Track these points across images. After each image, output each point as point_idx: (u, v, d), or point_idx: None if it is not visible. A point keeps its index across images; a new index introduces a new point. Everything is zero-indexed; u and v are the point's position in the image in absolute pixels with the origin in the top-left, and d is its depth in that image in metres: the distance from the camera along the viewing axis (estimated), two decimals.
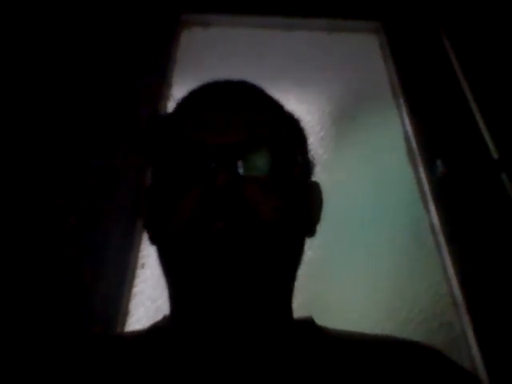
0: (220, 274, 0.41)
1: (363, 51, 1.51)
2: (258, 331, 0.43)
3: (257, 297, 0.43)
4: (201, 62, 1.42)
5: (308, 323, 0.48)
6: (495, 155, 1.22)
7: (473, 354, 0.97)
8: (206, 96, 0.51)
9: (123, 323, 1.01)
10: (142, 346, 0.44)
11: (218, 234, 0.41)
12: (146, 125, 0.56)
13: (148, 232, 0.52)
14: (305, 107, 1.33)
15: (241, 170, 0.44)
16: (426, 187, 1.21)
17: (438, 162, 1.20)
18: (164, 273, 0.48)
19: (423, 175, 1.23)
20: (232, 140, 0.45)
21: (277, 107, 0.54)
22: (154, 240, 0.51)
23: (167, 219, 0.45)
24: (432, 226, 1.17)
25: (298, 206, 0.48)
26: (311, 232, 0.53)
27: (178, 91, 1.35)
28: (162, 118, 0.55)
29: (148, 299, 1.05)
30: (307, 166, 0.54)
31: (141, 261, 1.10)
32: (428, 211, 1.19)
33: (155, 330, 0.46)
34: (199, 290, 0.42)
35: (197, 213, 0.43)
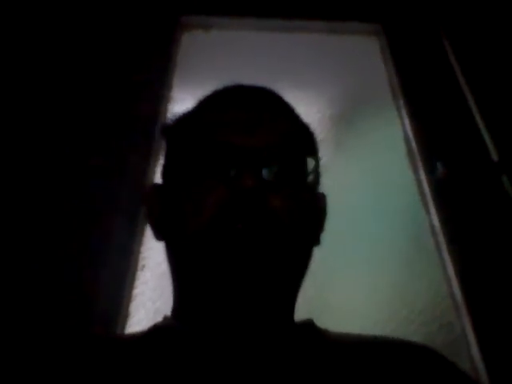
0: (238, 273, 0.42)
1: (363, 53, 1.51)
2: (261, 332, 0.44)
3: (266, 299, 0.44)
4: (201, 64, 1.42)
5: (308, 326, 0.48)
6: (495, 157, 1.22)
7: (473, 355, 0.97)
8: (232, 96, 0.51)
9: (123, 325, 1.01)
10: (145, 345, 0.44)
11: (240, 234, 0.42)
12: (165, 122, 0.55)
13: (154, 229, 0.52)
14: (304, 110, 1.33)
15: (265, 175, 0.44)
16: (427, 189, 1.21)
17: (438, 164, 1.21)
18: (172, 270, 0.48)
19: (423, 177, 1.23)
20: (260, 143, 0.45)
21: (295, 116, 0.55)
22: (163, 237, 0.50)
23: (186, 217, 0.45)
24: (432, 227, 1.17)
25: (312, 214, 0.49)
26: (318, 241, 0.54)
27: (179, 93, 1.35)
28: (183, 115, 0.54)
29: (148, 300, 1.05)
30: (318, 176, 0.54)
31: (141, 262, 1.10)
32: (428, 213, 1.19)
33: (157, 329, 0.47)
34: (213, 288, 0.43)
35: (221, 212, 0.43)
